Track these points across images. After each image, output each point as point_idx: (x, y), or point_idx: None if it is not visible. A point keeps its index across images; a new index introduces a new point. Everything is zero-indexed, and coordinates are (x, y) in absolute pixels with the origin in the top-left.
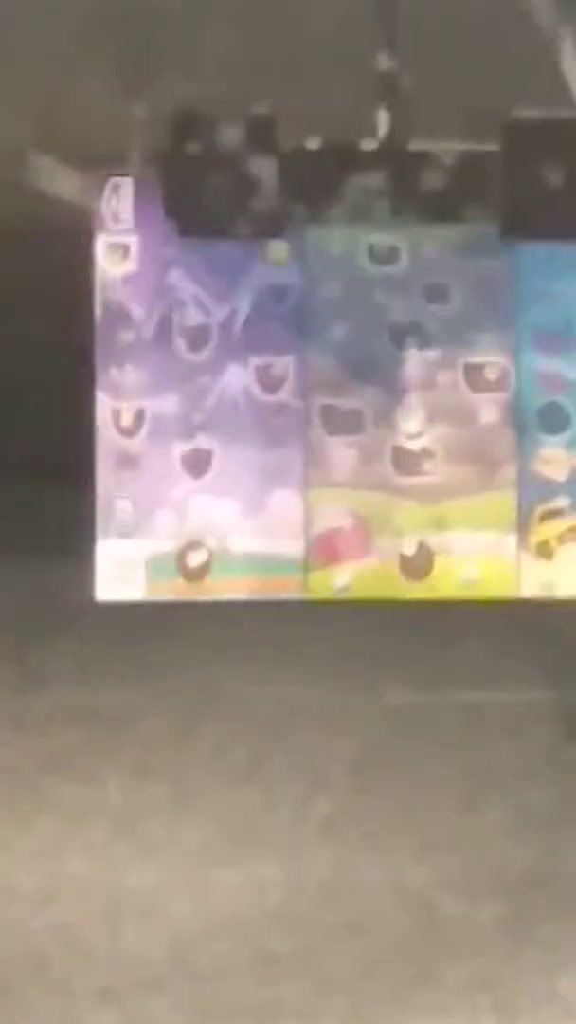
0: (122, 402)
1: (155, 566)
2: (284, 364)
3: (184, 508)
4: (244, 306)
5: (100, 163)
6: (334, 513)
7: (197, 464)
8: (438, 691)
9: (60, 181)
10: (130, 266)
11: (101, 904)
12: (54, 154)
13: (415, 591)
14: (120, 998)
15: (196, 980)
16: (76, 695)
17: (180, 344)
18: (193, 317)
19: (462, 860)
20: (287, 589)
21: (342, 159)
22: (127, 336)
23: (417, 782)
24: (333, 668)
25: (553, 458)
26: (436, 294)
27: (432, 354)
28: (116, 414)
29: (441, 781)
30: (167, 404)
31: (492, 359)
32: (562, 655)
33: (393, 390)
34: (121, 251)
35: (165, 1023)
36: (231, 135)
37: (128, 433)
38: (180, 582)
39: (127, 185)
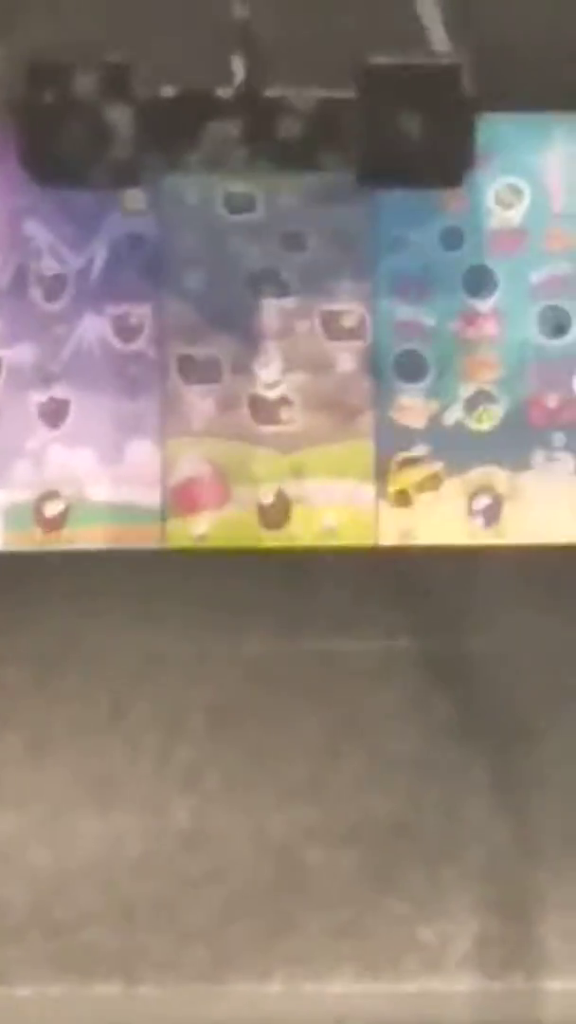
0: None
1: (12, 516)
2: (141, 313)
3: (41, 458)
4: (100, 255)
5: None
6: (192, 462)
7: (54, 414)
8: (297, 639)
9: None
10: None
11: None
12: None
13: (273, 540)
14: None
15: (56, 930)
16: None
17: (36, 294)
18: (49, 267)
19: (323, 809)
20: (145, 538)
21: (198, 107)
22: None
23: (278, 731)
24: (192, 617)
25: (411, 406)
26: (293, 242)
27: (289, 302)
28: None
29: (302, 730)
30: (23, 354)
31: (349, 307)
32: (421, 603)
33: (250, 338)
34: None
35: (24, 973)
36: (87, 83)
37: None
38: (37, 532)
39: None
